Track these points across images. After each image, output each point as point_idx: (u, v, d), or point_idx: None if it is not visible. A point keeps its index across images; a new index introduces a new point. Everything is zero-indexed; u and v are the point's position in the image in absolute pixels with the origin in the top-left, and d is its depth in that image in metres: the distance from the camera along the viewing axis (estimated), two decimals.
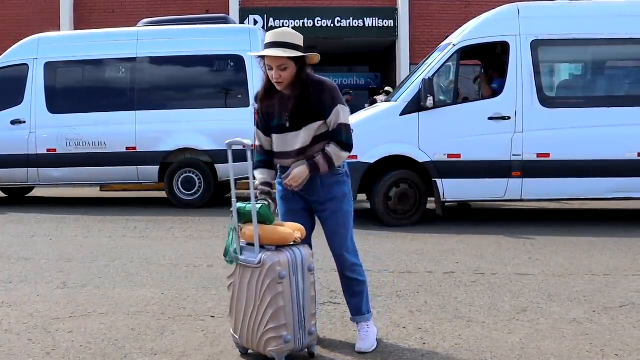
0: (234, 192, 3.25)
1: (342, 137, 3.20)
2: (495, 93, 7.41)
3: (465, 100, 7.75)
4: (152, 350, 3.38)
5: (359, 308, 3.39)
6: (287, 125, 3.22)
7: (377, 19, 16.38)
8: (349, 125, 3.23)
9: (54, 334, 3.65)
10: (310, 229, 3.39)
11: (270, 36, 3.16)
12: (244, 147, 3.09)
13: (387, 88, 13.60)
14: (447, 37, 8.12)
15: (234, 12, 15.81)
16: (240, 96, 9.20)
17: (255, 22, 15.80)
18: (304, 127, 3.20)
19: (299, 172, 3.17)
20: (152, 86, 9.40)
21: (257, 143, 3.40)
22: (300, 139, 3.21)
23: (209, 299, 4.33)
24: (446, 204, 7.64)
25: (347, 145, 3.21)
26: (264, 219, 3.11)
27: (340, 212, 3.30)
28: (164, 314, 4.02)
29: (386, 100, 8.43)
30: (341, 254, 3.33)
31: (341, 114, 3.20)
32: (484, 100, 7.44)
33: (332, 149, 3.19)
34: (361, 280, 3.39)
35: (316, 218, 3.42)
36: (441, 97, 7.56)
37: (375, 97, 13.11)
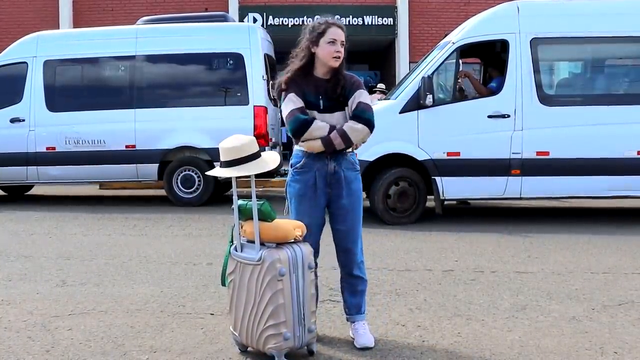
0: (234, 190, 3.25)
1: (360, 111, 3.25)
2: (492, 92, 7.40)
3: (465, 98, 7.74)
4: (151, 347, 3.38)
5: (359, 307, 3.43)
6: (321, 107, 3.29)
7: (376, 16, 16.38)
8: (369, 104, 3.30)
9: (53, 331, 3.65)
10: (322, 224, 3.42)
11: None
12: None
13: (379, 85, 13.59)
14: (446, 35, 8.12)
15: (233, 10, 15.82)
16: (239, 94, 9.18)
17: (255, 20, 15.81)
18: (337, 111, 3.29)
19: (314, 144, 3.22)
20: (151, 84, 9.38)
21: (293, 107, 3.23)
22: (334, 119, 3.28)
23: (208, 297, 4.33)
24: (445, 202, 7.64)
25: (365, 120, 3.24)
26: (265, 216, 3.11)
27: (358, 208, 3.39)
28: (163, 311, 4.02)
29: (385, 99, 8.43)
30: (355, 252, 3.39)
31: (363, 95, 3.29)
32: (483, 98, 7.43)
33: (347, 124, 3.25)
34: (365, 279, 3.47)
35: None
36: (440, 95, 7.58)
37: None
